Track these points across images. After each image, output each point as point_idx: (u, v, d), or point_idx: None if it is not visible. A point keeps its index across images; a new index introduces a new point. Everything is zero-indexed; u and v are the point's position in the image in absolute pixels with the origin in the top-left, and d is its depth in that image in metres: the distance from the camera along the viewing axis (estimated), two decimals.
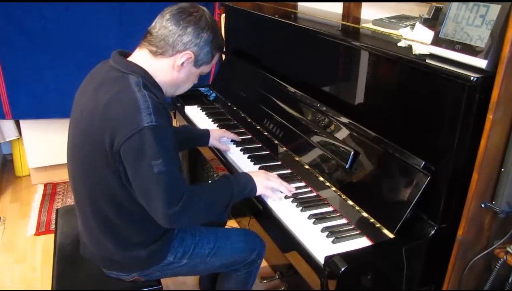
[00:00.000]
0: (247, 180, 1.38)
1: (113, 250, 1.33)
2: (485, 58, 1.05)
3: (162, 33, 1.22)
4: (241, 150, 1.75)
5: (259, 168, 1.58)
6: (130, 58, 1.27)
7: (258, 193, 1.39)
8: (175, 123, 2.50)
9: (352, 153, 1.38)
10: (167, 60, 1.24)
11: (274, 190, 1.40)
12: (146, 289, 1.41)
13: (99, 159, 1.19)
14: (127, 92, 1.16)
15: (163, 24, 1.22)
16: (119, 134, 1.13)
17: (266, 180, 1.40)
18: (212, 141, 1.75)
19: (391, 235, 1.17)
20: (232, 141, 1.82)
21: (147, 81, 1.21)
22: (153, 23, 1.25)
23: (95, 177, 1.24)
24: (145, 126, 1.11)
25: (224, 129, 1.85)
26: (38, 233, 2.49)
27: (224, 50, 2.73)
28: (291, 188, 1.43)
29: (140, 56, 1.26)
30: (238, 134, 1.88)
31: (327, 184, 1.43)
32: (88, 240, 1.38)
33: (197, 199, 1.24)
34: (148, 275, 1.40)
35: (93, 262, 1.41)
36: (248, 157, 1.69)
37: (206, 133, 1.76)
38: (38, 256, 2.31)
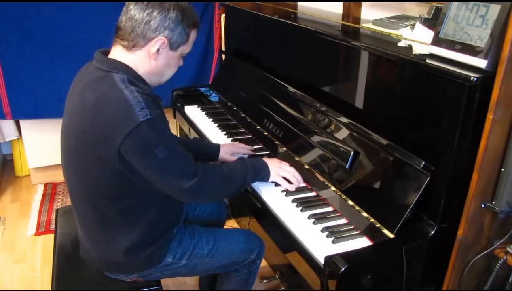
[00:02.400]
0: (262, 165, 1.43)
1: (112, 252, 1.33)
2: (485, 58, 1.05)
3: (130, 24, 1.19)
4: None
5: None
6: (110, 56, 1.25)
7: (271, 179, 1.44)
8: (175, 123, 2.50)
9: (352, 153, 1.38)
10: (141, 51, 1.22)
11: (286, 178, 1.45)
12: (146, 289, 1.41)
13: (94, 161, 1.19)
14: (114, 91, 1.15)
15: (128, 16, 1.19)
16: (116, 133, 1.12)
17: (279, 169, 1.45)
18: (223, 155, 1.68)
19: (391, 235, 1.17)
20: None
21: (131, 76, 1.20)
22: (119, 17, 1.22)
23: (92, 178, 1.23)
24: (141, 121, 1.12)
25: (235, 143, 1.78)
26: (38, 233, 2.49)
27: (224, 49, 2.74)
28: (301, 179, 1.48)
29: (117, 53, 1.24)
30: (238, 134, 1.88)
31: (327, 184, 1.43)
32: (87, 243, 1.38)
33: (212, 174, 1.29)
34: (147, 276, 1.40)
35: (93, 264, 1.41)
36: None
37: (216, 148, 1.69)
38: (38, 256, 2.31)
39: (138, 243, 1.32)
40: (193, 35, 1.28)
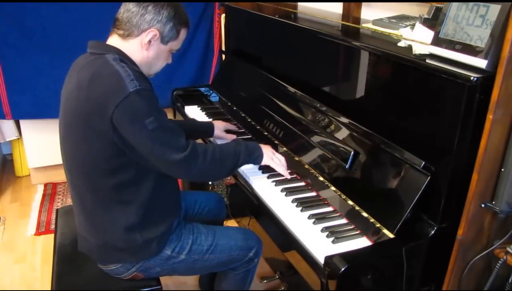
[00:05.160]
0: (256, 147, 1.49)
1: (110, 233, 1.34)
2: (485, 58, 1.05)
3: (126, 16, 1.31)
4: None
5: (259, 168, 1.58)
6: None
7: (263, 162, 1.49)
8: None
9: (352, 153, 1.38)
10: (135, 40, 1.32)
11: (278, 164, 1.51)
12: (146, 289, 1.42)
13: (91, 134, 1.24)
14: (106, 67, 1.24)
15: (126, 8, 1.31)
16: (108, 104, 1.19)
17: (271, 153, 1.52)
18: (217, 133, 1.83)
19: (391, 235, 1.17)
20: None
21: (124, 58, 1.30)
22: (118, 10, 1.34)
23: (89, 153, 1.27)
24: (131, 91, 1.19)
25: (224, 121, 1.95)
26: (38, 233, 2.49)
27: (224, 49, 2.74)
28: (287, 174, 1.52)
29: (112, 41, 1.35)
30: (238, 134, 1.89)
31: (327, 184, 1.43)
32: (87, 228, 1.38)
33: (202, 151, 1.33)
34: (147, 270, 1.40)
35: (91, 255, 1.42)
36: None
37: (211, 126, 1.84)
38: (38, 256, 2.31)
39: (135, 224, 1.34)
40: (183, 33, 1.39)
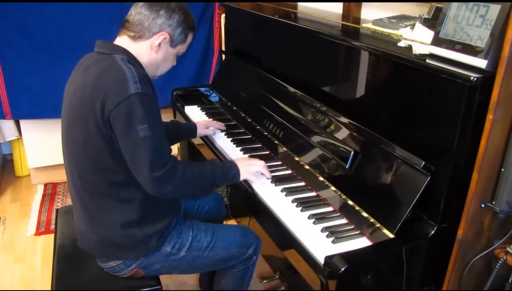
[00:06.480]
0: (231, 166, 1.49)
1: (109, 229, 1.35)
2: (485, 58, 1.05)
3: (138, 18, 1.33)
4: (241, 150, 1.75)
5: None
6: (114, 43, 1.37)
7: (241, 178, 1.49)
8: None
9: (352, 153, 1.38)
10: (145, 42, 1.34)
11: (258, 175, 1.51)
12: (146, 289, 1.42)
13: (93, 131, 1.25)
14: (113, 66, 1.26)
15: (138, 11, 1.33)
16: (109, 102, 1.20)
17: (249, 166, 1.51)
18: (200, 131, 1.89)
19: (391, 235, 1.17)
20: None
21: (131, 59, 1.32)
22: (129, 12, 1.36)
23: (90, 150, 1.28)
24: (132, 93, 1.20)
25: (209, 119, 2.03)
26: (38, 233, 2.49)
27: (224, 49, 2.75)
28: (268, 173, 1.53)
29: (122, 42, 1.36)
30: (238, 134, 1.89)
31: (327, 184, 1.43)
32: (85, 225, 1.39)
33: (182, 169, 1.31)
34: (147, 267, 1.41)
35: (91, 252, 1.42)
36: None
37: (193, 126, 1.89)
38: (38, 256, 2.31)
39: (134, 221, 1.34)
40: (190, 37, 1.43)
